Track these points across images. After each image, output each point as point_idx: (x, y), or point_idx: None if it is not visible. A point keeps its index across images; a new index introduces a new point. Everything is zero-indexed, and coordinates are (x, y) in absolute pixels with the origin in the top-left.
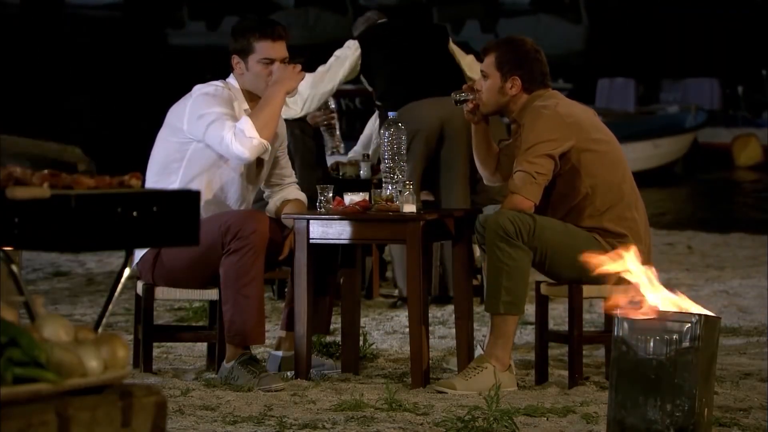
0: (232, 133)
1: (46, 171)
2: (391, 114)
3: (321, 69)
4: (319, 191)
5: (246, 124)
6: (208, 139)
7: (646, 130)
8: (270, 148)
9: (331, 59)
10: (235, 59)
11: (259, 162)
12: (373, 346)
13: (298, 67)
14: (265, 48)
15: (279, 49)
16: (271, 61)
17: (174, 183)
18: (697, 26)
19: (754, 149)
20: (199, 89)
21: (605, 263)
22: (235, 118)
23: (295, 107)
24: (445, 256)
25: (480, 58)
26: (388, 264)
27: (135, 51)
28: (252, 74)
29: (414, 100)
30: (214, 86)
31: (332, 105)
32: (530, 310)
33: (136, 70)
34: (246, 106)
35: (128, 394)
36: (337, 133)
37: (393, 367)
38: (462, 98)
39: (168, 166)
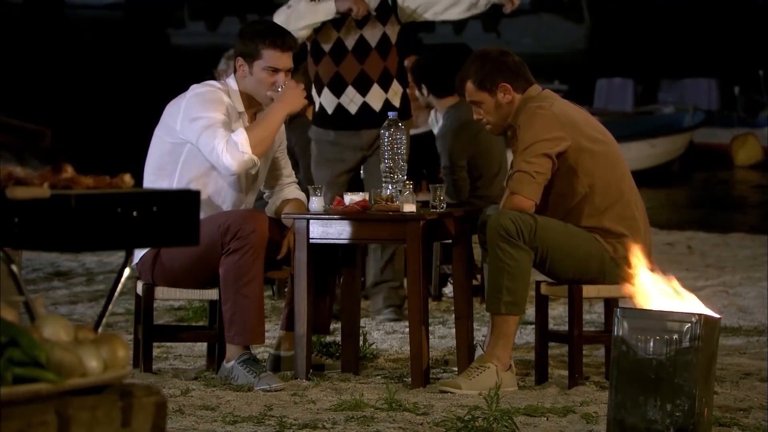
0: (225, 143)
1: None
2: (391, 114)
3: None
4: (310, 191)
5: (241, 137)
6: (200, 145)
7: (642, 130)
8: (258, 164)
9: None
10: (240, 61)
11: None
12: (373, 346)
13: (301, 86)
14: (272, 56)
15: (286, 60)
16: (276, 71)
17: (169, 186)
18: (695, 26)
19: (753, 148)
20: (194, 88)
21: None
22: (229, 125)
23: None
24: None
25: (461, 92)
26: None
27: (137, 51)
28: (255, 80)
29: None
30: (210, 86)
31: None
32: (530, 310)
33: (137, 69)
34: (242, 108)
35: (128, 394)
36: None
37: (393, 367)
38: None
39: (163, 168)
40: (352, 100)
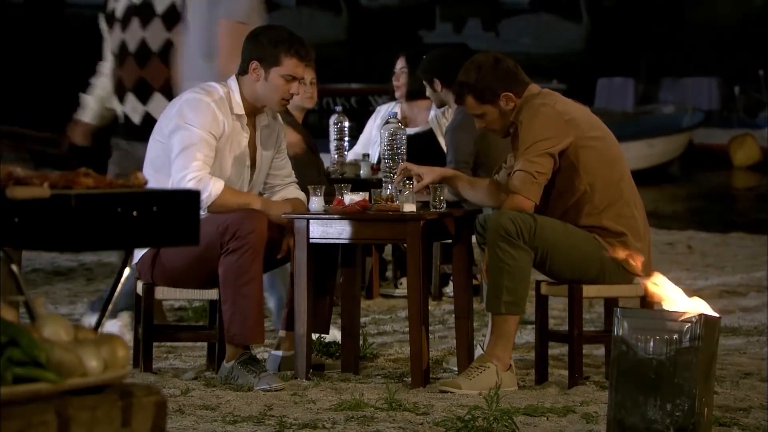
0: (197, 180)
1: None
2: (391, 113)
3: None
4: (310, 191)
5: (216, 189)
6: (174, 162)
7: (641, 130)
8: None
9: None
10: (254, 65)
11: (252, 167)
12: (373, 346)
13: (285, 209)
14: (292, 65)
15: (303, 70)
16: (293, 79)
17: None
18: (696, 26)
19: (751, 149)
20: (191, 91)
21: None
22: (210, 147)
23: None
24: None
25: (460, 100)
26: (388, 264)
27: None
28: (270, 86)
29: None
30: (207, 90)
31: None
32: (530, 309)
33: None
34: (242, 111)
35: (128, 394)
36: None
37: (393, 367)
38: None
39: (160, 168)
40: (134, 109)
